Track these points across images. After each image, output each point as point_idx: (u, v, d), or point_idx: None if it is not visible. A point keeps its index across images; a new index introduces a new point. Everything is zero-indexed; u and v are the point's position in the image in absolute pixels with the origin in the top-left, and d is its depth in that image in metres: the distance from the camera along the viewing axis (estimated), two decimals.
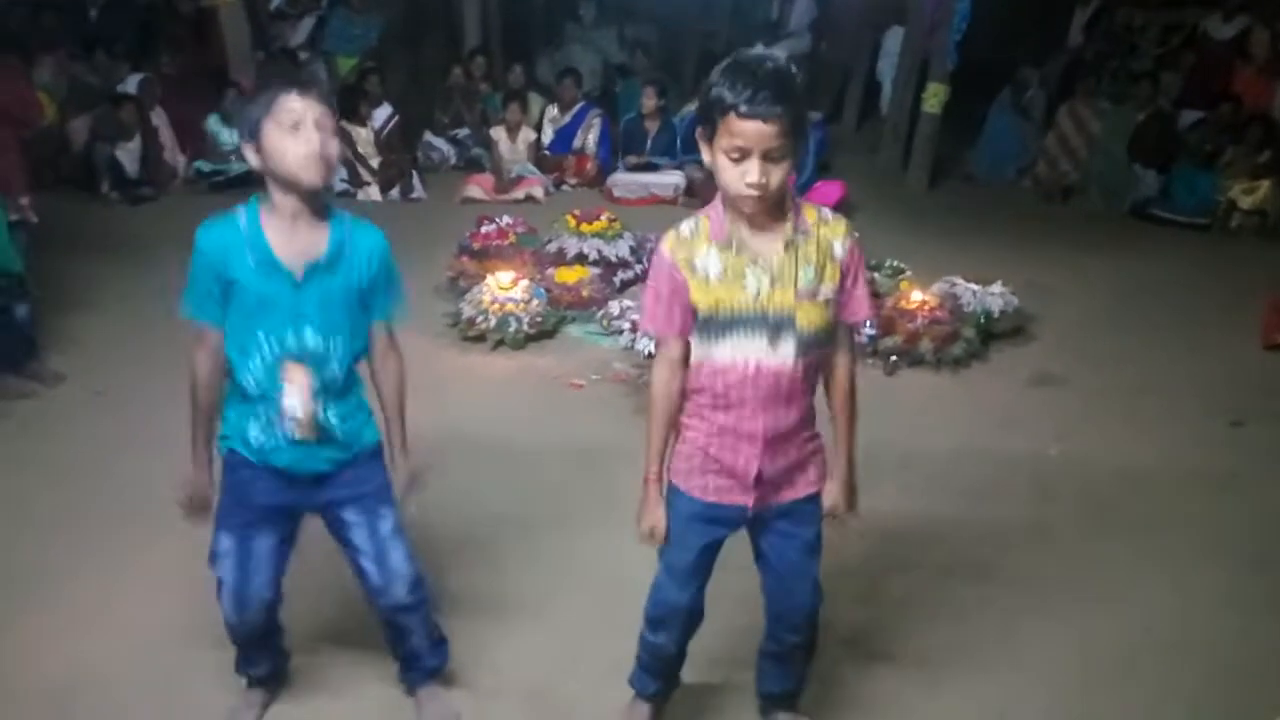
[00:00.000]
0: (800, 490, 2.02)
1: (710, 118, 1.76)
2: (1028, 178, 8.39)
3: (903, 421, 3.98)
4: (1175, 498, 3.51)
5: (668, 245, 1.89)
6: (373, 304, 2.10)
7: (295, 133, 1.91)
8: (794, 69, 1.75)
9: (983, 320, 4.78)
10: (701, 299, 1.86)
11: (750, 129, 1.70)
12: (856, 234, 1.91)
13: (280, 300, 1.97)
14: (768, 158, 1.72)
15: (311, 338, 2.00)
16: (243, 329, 1.99)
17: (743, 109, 1.69)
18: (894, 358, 4.54)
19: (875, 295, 4.90)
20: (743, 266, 1.84)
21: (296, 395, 1.99)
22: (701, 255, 1.86)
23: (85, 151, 7.22)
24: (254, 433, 2.05)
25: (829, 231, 1.86)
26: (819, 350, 1.91)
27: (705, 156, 1.83)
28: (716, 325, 1.87)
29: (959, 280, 4.97)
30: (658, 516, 2.04)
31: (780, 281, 1.83)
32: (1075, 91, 8.37)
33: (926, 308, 4.68)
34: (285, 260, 1.96)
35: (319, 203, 2.00)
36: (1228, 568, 3.09)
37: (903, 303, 4.73)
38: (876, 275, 5.16)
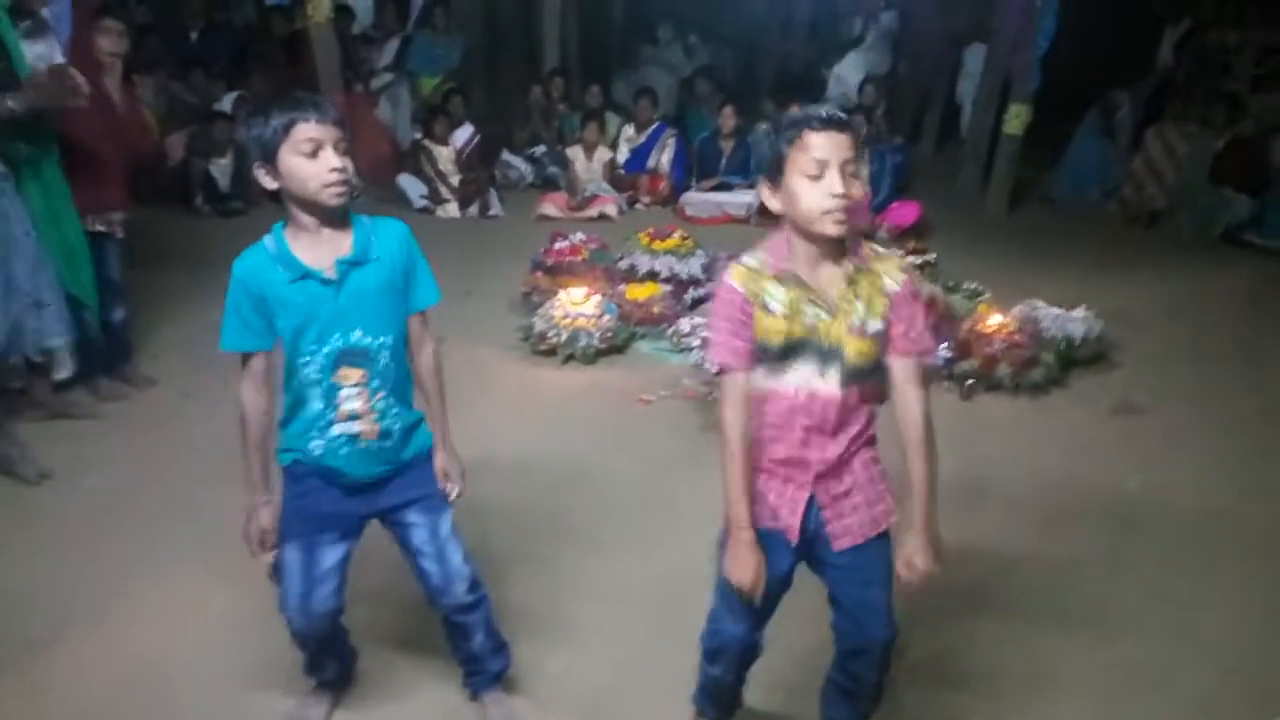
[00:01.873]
0: (864, 533, 1.99)
1: (779, 154, 1.82)
2: (1113, 201, 8.16)
3: (978, 448, 3.90)
4: (1259, 536, 3.36)
5: (736, 278, 1.90)
6: (410, 294, 2.12)
7: (314, 159, 1.93)
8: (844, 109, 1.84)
9: (1063, 346, 4.65)
10: (762, 330, 1.88)
11: (826, 139, 1.78)
12: (913, 273, 1.93)
13: (321, 305, 2.00)
14: (845, 169, 1.78)
15: (360, 337, 2.03)
16: (292, 343, 2.03)
17: (816, 123, 1.78)
18: (970, 382, 4.45)
19: (952, 318, 4.81)
20: (802, 302, 1.87)
21: (356, 397, 2.04)
22: (769, 289, 1.88)
23: (181, 167, 7.53)
24: (315, 443, 2.09)
25: (882, 266, 1.89)
26: (866, 380, 1.91)
27: (775, 205, 1.87)
28: (773, 356, 1.89)
29: (1040, 304, 4.85)
30: (754, 564, 1.93)
31: (835, 316, 1.86)
32: (1164, 114, 8.13)
33: (1005, 331, 4.57)
34: (316, 265, 2.00)
35: (341, 215, 2.03)
36: None
37: (980, 326, 4.63)
38: (955, 297, 5.07)
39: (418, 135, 8.07)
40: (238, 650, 2.67)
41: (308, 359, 2.03)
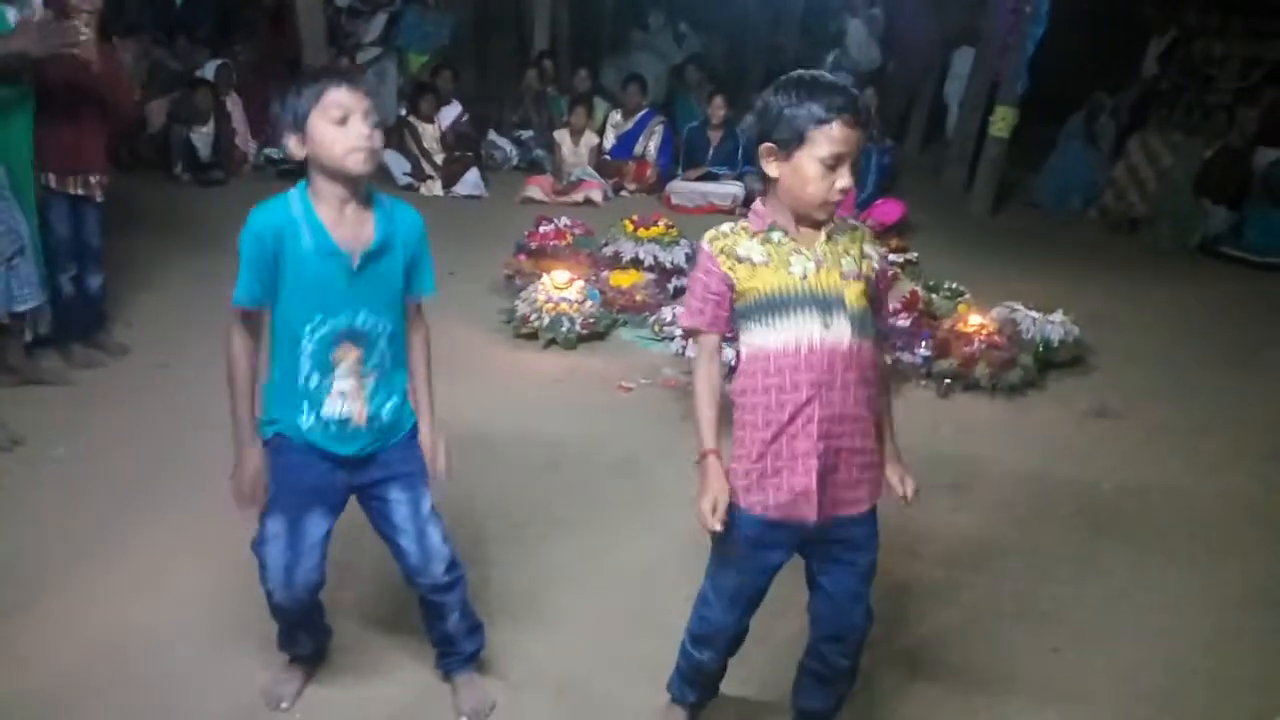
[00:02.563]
0: (861, 504, 1.99)
1: (794, 130, 1.82)
2: (1094, 208, 8.24)
3: (955, 445, 3.93)
4: (1229, 538, 3.41)
5: (708, 240, 1.95)
6: (412, 280, 2.14)
7: (344, 125, 1.94)
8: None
9: (1041, 348, 4.69)
10: (750, 284, 1.90)
11: (851, 135, 1.81)
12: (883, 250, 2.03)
13: (337, 284, 2.01)
14: (854, 166, 1.84)
15: (365, 319, 2.05)
16: (296, 312, 2.02)
17: (846, 116, 1.79)
18: (948, 381, 4.48)
19: (932, 317, 4.85)
20: (787, 253, 1.90)
21: (350, 376, 2.04)
22: (744, 245, 1.92)
23: (162, 133, 7.43)
24: (302, 417, 2.07)
25: (858, 234, 1.98)
26: (872, 333, 1.95)
27: (774, 171, 1.87)
28: (768, 309, 1.89)
29: (1019, 307, 4.89)
30: (720, 489, 1.92)
31: (825, 264, 1.89)
32: (1148, 122, 8.21)
33: (984, 332, 4.61)
34: (343, 246, 2.00)
35: (363, 189, 2.04)
36: None
37: (960, 325, 4.66)
38: (934, 296, 5.10)
39: (403, 111, 8.00)
40: (211, 620, 2.65)
41: (309, 331, 2.02)
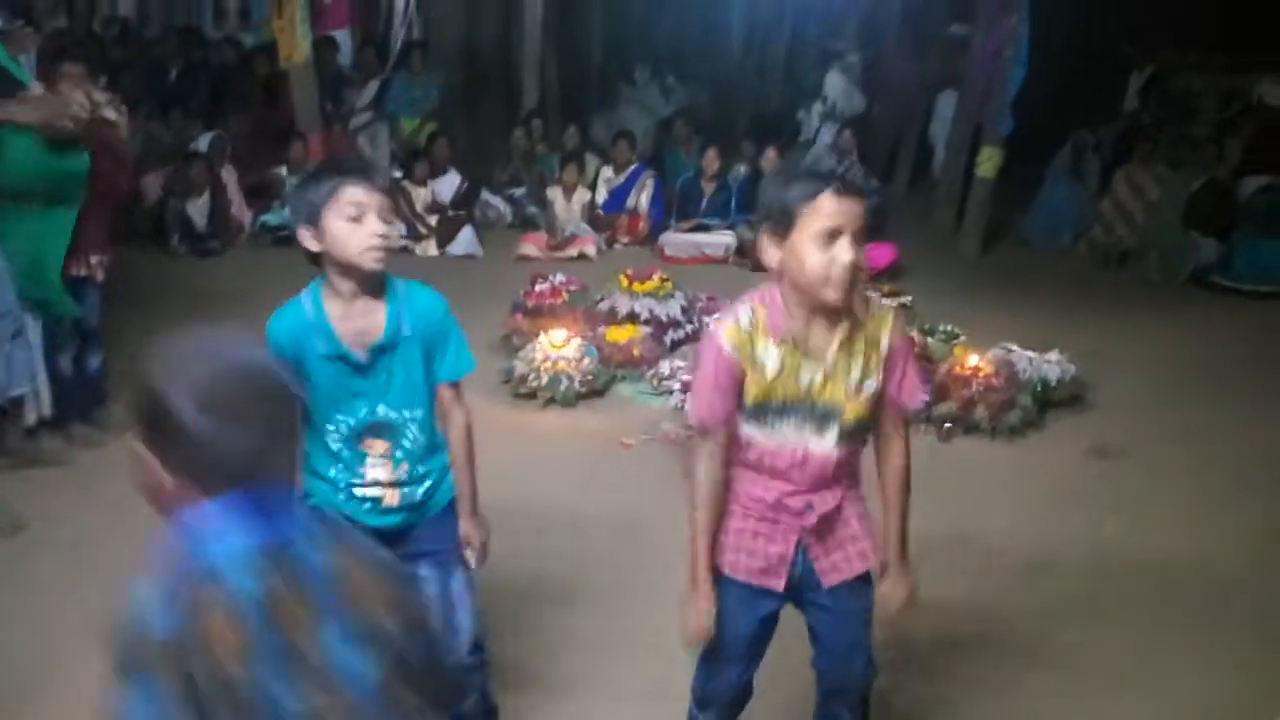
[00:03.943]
0: (852, 569, 1.99)
1: (789, 211, 1.76)
2: (1083, 243, 8.31)
3: (957, 491, 3.92)
4: (1240, 578, 3.40)
5: (726, 336, 1.85)
6: (438, 365, 2.13)
7: (359, 223, 1.95)
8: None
9: (1039, 388, 4.71)
10: (756, 390, 1.87)
11: (845, 207, 1.74)
12: (905, 326, 1.95)
13: (349, 382, 2.04)
14: (856, 240, 1.74)
15: (385, 412, 2.06)
16: (319, 410, 2.05)
17: (839, 186, 1.74)
18: (948, 425, 4.49)
19: (928, 360, 4.86)
20: (799, 363, 1.85)
21: (382, 465, 2.08)
22: (761, 349, 1.85)
23: (157, 206, 7.50)
24: (338, 495, 2.11)
25: (876, 325, 1.87)
26: (861, 436, 1.93)
27: (775, 260, 1.82)
28: (768, 413, 1.88)
29: (1014, 347, 4.92)
30: (706, 617, 1.95)
31: (833, 378, 1.85)
32: (1132, 156, 8.31)
33: (981, 374, 4.63)
34: (350, 344, 2.02)
35: (377, 281, 2.05)
36: None
37: (957, 368, 4.68)
38: (930, 340, 5.13)
39: (396, 175, 8.09)
40: None
41: (333, 428, 2.05)
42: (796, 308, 1.84)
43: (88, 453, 4.09)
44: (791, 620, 2.10)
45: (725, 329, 1.87)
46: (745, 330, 1.86)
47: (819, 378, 1.85)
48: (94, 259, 4.02)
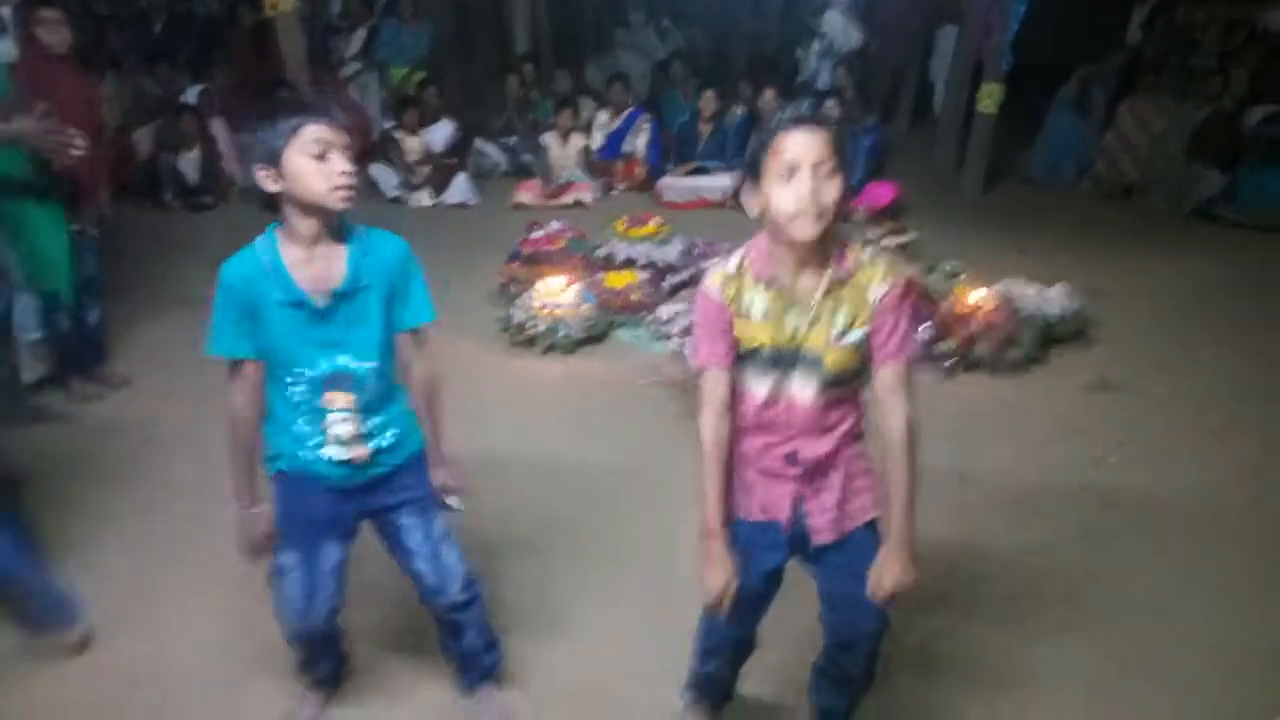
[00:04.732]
0: (855, 519, 1.98)
1: (757, 160, 1.78)
2: (1087, 177, 8.22)
3: (960, 426, 3.92)
4: (1239, 509, 3.40)
5: (716, 282, 1.89)
6: (398, 312, 2.06)
7: (324, 161, 1.89)
8: (816, 93, 1.82)
9: (1041, 324, 4.67)
10: (744, 335, 1.87)
11: (799, 139, 1.73)
12: (900, 277, 1.86)
13: (310, 330, 1.97)
14: (818, 170, 1.73)
15: (347, 361, 2.00)
16: (278, 360, 2.00)
17: (790, 122, 1.74)
18: (950, 362, 4.47)
19: (930, 299, 4.83)
20: (783, 309, 1.85)
21: (345, 421, 2.03)
22: (748, 293, 1.86)
23: (149, 161, 7.42)
24: (302, 455, 2.07)
25: (867, 275, 1.84)
26: (846, 386, 1.90)
27: (755, 209, 1.82)
28: (758, 361, 1.88)
29: (1017, 283, 4.88)
30: (727, 572, 1.92)
31: (817, 324, 1.84)
32: (1136, 89, 8.18)
33: (983, 311, 4.59)
34: (308, 290, 1.95)
35: (337, 224, 1.98)
36: None
37: (959, 306, 4.64)
38: (933, 277, 5.09)
39: (388, 125, 7.99)
40: (226, 651, 2.65)
41: (292, 380, 2.00)
42: (782, 255, 1.84)
43: (87, 407, 4.09)
44: (795, 576, 2.09)
45: (715, 276, 1.90)
46: (733, 276, 1.88)
47: (803, 324, 1.84)
48: (88, 214, 3.98)
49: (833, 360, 1.84)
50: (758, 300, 1.85)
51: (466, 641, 2.35)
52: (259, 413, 2.07)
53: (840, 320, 1.83)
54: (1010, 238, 6.51)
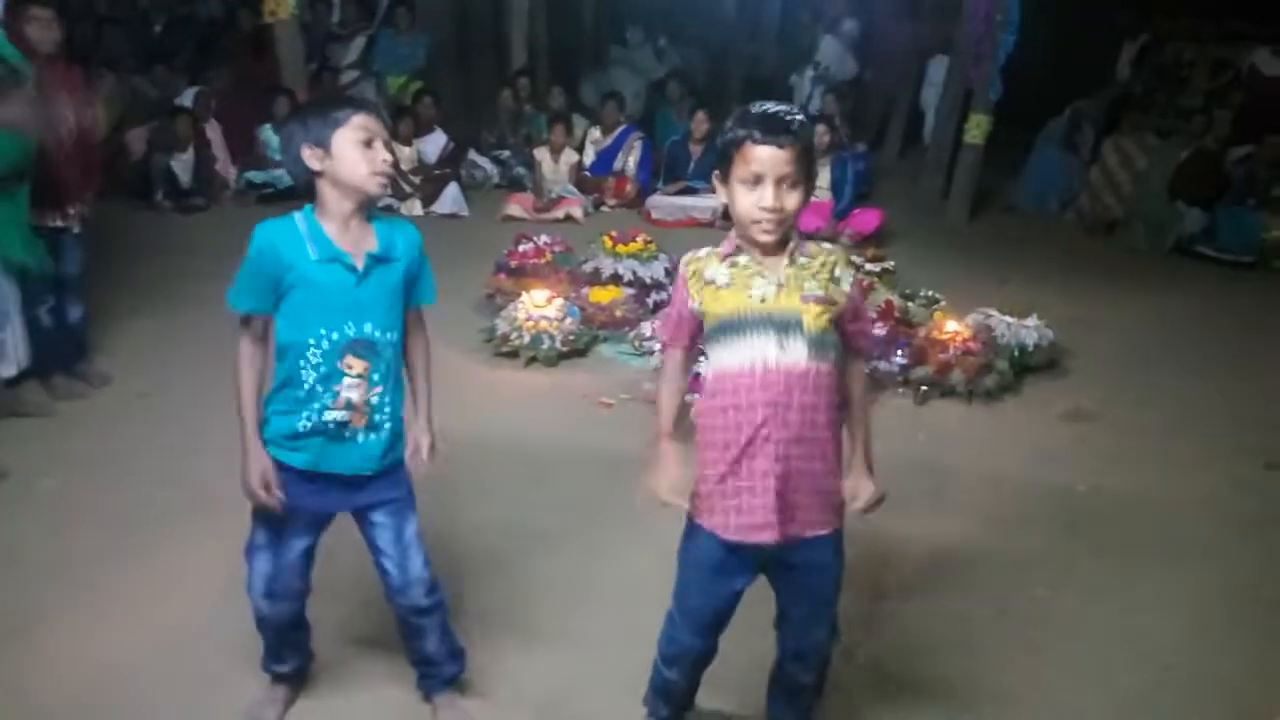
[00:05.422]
0: (823, 525, 2.00)
1: (727, 154, 1.90)
2: (1070, 211, 8.33)
3: (931, 450, 3.98)
4: (1203, 538, 3.47)
5: (685, 262, 2.03)
6: (411, 291, 2.21)
7: (368, 148, 2.05)
8: (806, 116, 1.93)
9: (1017, 353, 4.75)
10: (712, 306, 1.95)
11: (764, 154, 1.83)
12: (858, 270, 2.00)
13: (343, 292, 2.07)
14: (781, 183, 1.84)
15: (370, 330, 2.10)
16: (302, 323, 2.07)
17: (757, 135, 1.83)
18: (925, 388, 4.53)
19: (908, 325, 4.91)
20: (749, 276, 1.93)
21: (356, 387, 2.10)
22: (711, 269, 1.97)
23: (142, 162, 7.45)
24: (301, 422, 2.11)
25: (830, 258, 1.97)
26: (831, 358, 1.94)
27: (721, 197, 1.96)
28: (727, 330, 1.94)
29: (993, 312, 4.95)
30: (673, 473, 2.01)
31: (785, 287, 1.92)
32: (1121, 126, 8.31)
33: (960, 339, 4.66)
34: (347, 251, 2.08)
35: (370, 209, 2.14)
36: (1251, 611, 3.05)
37: (935, 333, 4.72)
38: (910, 305, 5.16)
39: None
40: (195, 649, 2.67)
41: (315, 341, 2.07)
42: (746, 244, 1.96)
43: (68, 404, 4.11)
44: (757, 592, 2.12)
45: (686, 259, 2.03)
46: (699, 258, 2.01)
47: (771, 290, 1.92)
48: (70, 210, 4.01)
49: (811, 320, 1.90)
50: (721, 271, 1.96)
51: (428, 645, 2.38)
52: (265, 363, 2.15)
53: (810, 286, 1.92)
54: (993, 266, 6.60)
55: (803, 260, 1.94)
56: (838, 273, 1.96)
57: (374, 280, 2.10)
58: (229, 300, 2.10)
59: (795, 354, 1.90)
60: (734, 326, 1.93)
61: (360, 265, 2.08)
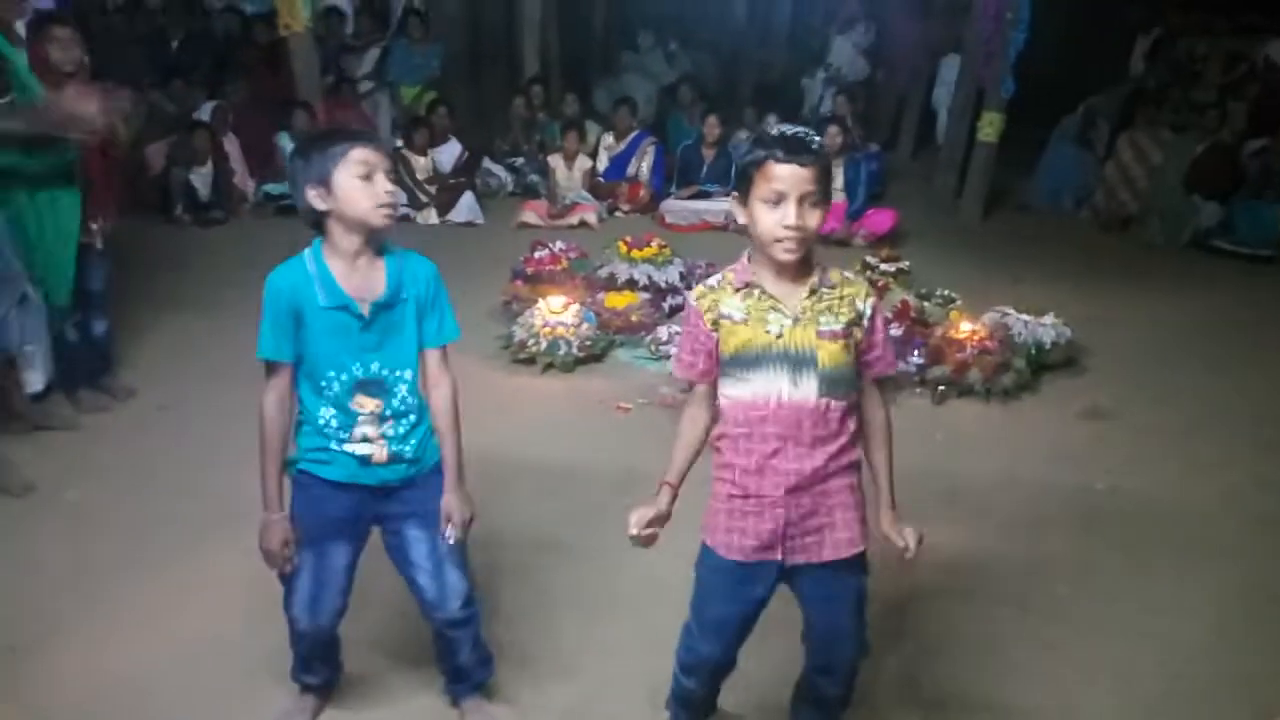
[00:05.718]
0: (841, 551, 2.01)
1: (747, 175, 1.89)
2: (1086, 208, 8.30)
3: (949, 450, 3.98)
4: (1223, 537, 3.45)
5: (695, 295, 2.01)
6: (426, 329, 2.20)
7: (368, 182, 2.04)
8: (820, 138, 1.94)
9: (1034, 351, 4.74)
10: (727, 340, 1.95)
11: (787, 172, 1.84)
12: (873, 272, 2.01)
13: (349, 336, 2.10)
14: (804, 202, 1.85)
15: (378, 369, 2.13)
16: (313, 365, 2.12)
17: (779, 155, 1.84)
18: (942, 387, 4.53)
19: (924, 324, 4.91)
20: (765, 310, 1.93)
21: (371, 423, 2.14)
22: (726, 301, 1.96)
23: (161, 176, 7.54)
24: (327, 448, 2.16)
25: (851, 290, 1.97)
26: (843, 392, 1.95)
27: (741, 218, 1.94)
28: (741, 364, 1.94)
29: (1010, 311, 4.95)
30: (648, 509, 2.04)
31: (801, 322, 1.92)
32: (1135, 121, 8.27)
33: (976, 338, 4.66)
34: (353, 296, 2.09)
35: (378, 241, 2.14)
36: (1272, 610, 3.04)
37: (952, 332, 4.71)
38: (926, 304, 5.16)
39: (398, 144, 8.10)
40: (218, 660, 2.70)
41: (327, 383, 2.11)
42: (763, 265, 1.95)
43: (94, 418, 4.16)
44: (780, 598, 2.13)
45: (696, 293, 2.02)
46: (712, 288, 2.00)
47: (788, 324, 1.92)
48: (94, 226, 4.06)
49: (827, 356, 1.91)
50: (737, 305, 1.95)
51: (461, 656, 2.40)
52: (289, 419, 2.17)
53: (826, 320, 1.92)
54: (1008, 265, 6.58)
55: (824, 291, 1.93)
56: (859, 305, 1.96)
57: (380, 323, 2.12)
58: (258, 350, 2.12)
59: (807, 390, 1.92)
60: (748, 361, 1.94)
61: (366, 312, 2.09)
